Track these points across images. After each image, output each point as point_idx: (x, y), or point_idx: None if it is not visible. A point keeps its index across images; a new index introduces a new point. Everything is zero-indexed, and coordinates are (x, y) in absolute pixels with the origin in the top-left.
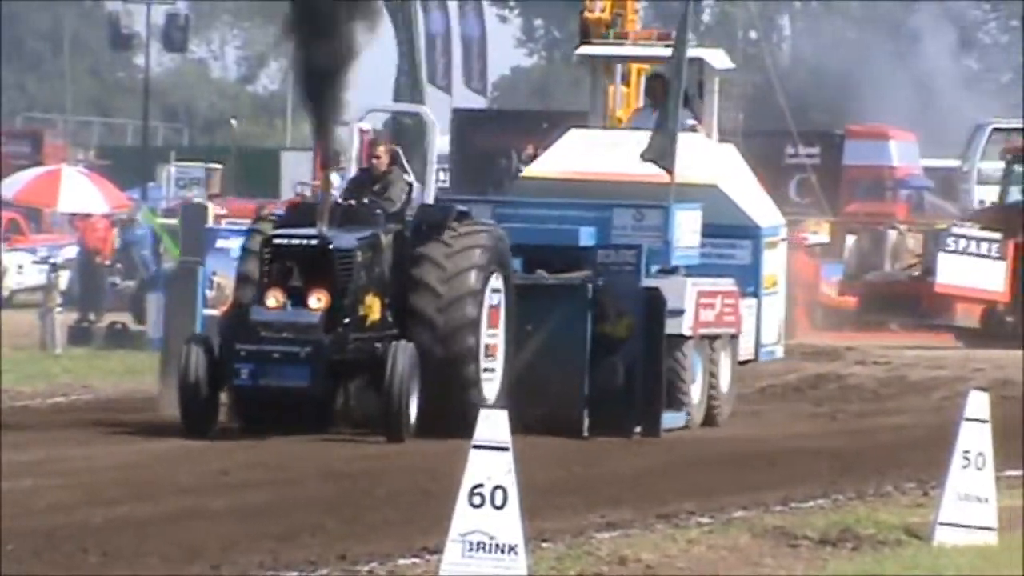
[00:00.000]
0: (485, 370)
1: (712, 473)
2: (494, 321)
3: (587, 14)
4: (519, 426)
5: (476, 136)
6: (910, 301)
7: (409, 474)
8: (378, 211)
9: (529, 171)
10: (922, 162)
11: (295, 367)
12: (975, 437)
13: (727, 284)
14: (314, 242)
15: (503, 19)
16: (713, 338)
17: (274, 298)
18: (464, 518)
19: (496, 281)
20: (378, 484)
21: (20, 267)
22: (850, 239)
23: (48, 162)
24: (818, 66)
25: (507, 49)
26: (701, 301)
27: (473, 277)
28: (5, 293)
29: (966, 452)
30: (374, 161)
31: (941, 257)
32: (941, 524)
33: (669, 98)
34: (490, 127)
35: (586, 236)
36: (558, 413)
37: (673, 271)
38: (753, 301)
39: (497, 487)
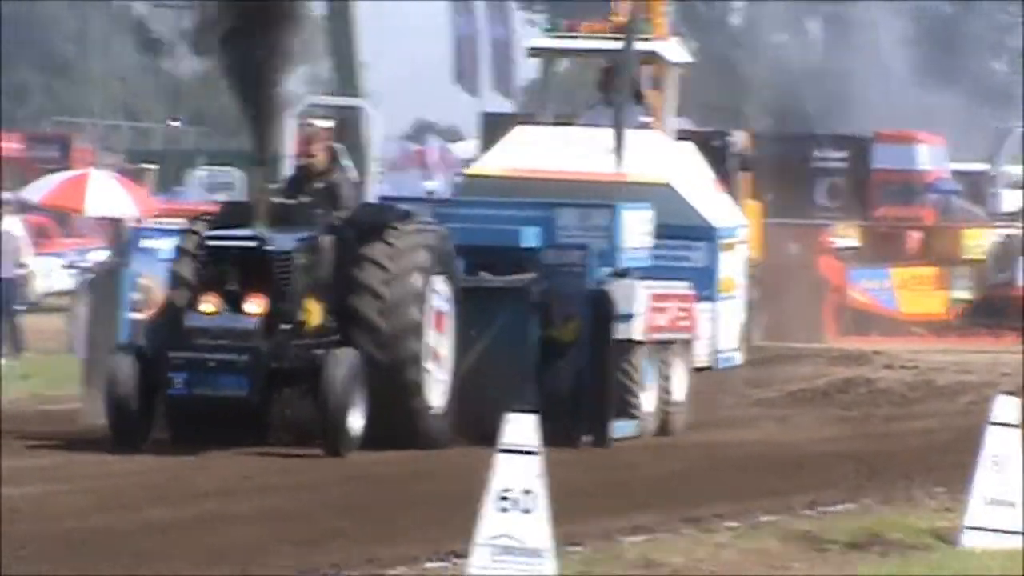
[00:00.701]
0: (430, 374)
1: (740, 477)
2: (439, 325)
3: (612, 18)
4: (468, 433)
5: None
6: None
7: (434, 479)
8: (317, 210)
9: (473, 169)
10: (950, 166)
11: (232, 375)
12: (1002, 441)
13: (682, 287)
14: (251, 243)
15: (532, 23)
16: (667, 343)
17: (210, 303)
18: (491, 522)
19: (441, 284)
20: (403, 489)
21: (49, 271)
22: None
23: (76, 166)
24: (845, 69)
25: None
26: (654, 305)
27: (418, 279)
28: (33, 297)
29: (994, 456)
30: (310, 158)
31: None
32: (968, 528)
33: (620, 92)
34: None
35: (528, 236)
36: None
37: (624, 273)
38: (709, 305)
39: (525, 491)
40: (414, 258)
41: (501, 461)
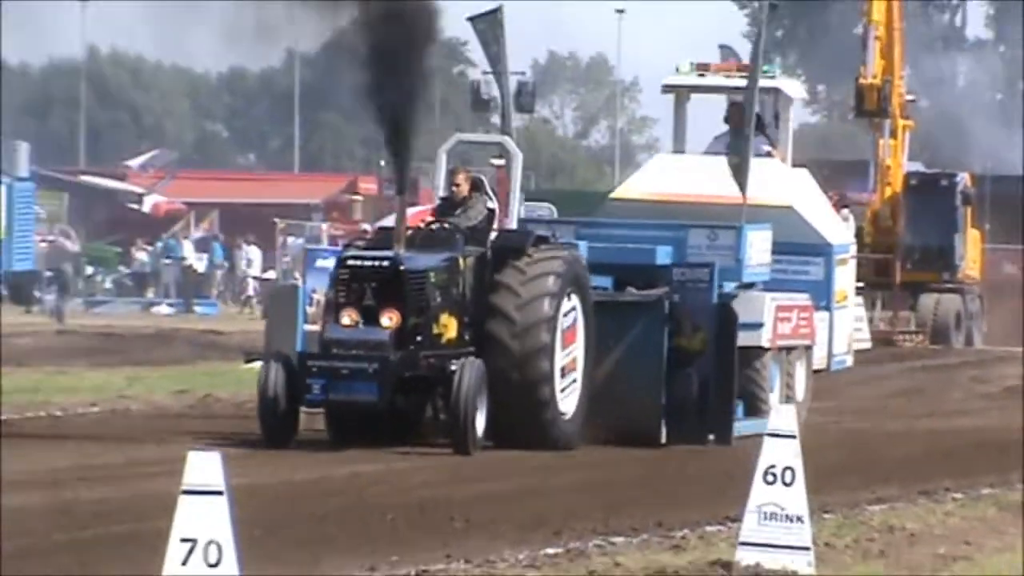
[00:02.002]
0: (564, 388)
1: (964, 456)
2: (570, 340)
3: (861, 80)
4: (599, 435)
5: None
6: None
7: (712, 458)
8: (457, 235)
9: (617, 193)
10: None
11: (363, 382)
12: None
13: (802, 299)
14: (386, 263)
15: None
16: (790, 349)
17: (348, 316)
18: (760, 493)
19: (571, 301)
20: (687, 465)
21: None
22: None
23: (422, 202)
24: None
25: (796, 108)
26: (779, 315)
27: (546, 304)
28: None
29: None
30: (454, 188)
31: None
32: None
33: (744, 124)
34: None
35: (663, 255)
36: (636, 423)
37: (751, 286)
38: (826, 314)
39: (786, 468)
40: (543, 284)
41: (767, 443)
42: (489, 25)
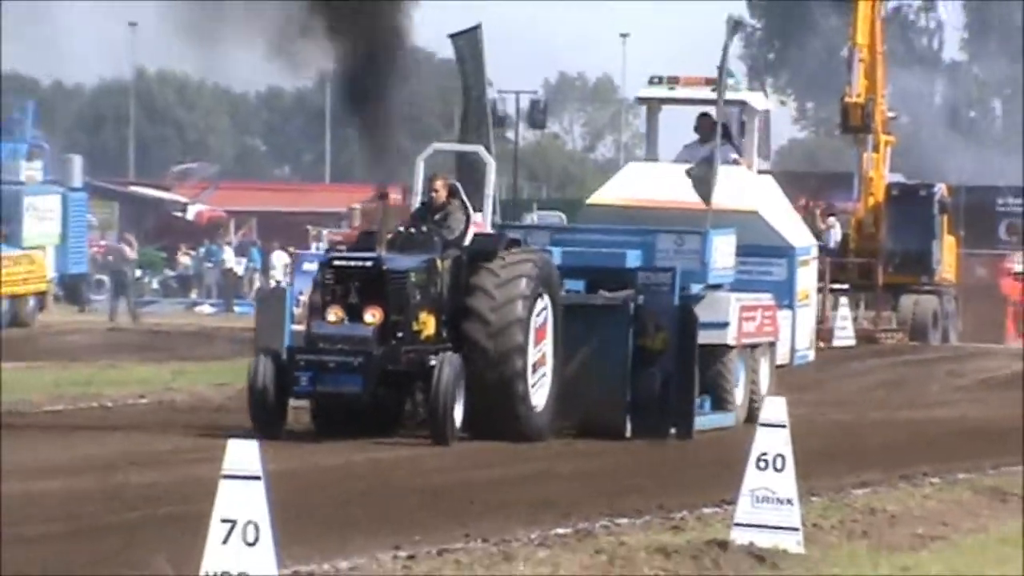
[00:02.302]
0: (534, 383)
1: (942, 444)
2: (541, 336)
3: (846, 99)
4: (572, 427)
5: None
6: None
7: (704, 447)
8: (436, 238)
9: (593, 199)
10: None
11: (349, 375)
12: None
13: (766, 298)
14: (369, 264)
15: (783, 103)
16: (754, 346)
17: (334, 314)
18: (753, 478)
19: (543, 301)
20: (684, 455)
21: None
22: None
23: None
24: None
25: (786, 124)
26: (743, 314)
27: (520, 306)
28: None
29: None
30: (433, 194)
31: None
32: None
33: (709, 133)
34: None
35: (632, 259)
36: (603, 417)
37: (719, 287)
38: (788, 312)
39: (777, 455)
40: (517, 286)
41: (760, 433)
42: (467, 42)
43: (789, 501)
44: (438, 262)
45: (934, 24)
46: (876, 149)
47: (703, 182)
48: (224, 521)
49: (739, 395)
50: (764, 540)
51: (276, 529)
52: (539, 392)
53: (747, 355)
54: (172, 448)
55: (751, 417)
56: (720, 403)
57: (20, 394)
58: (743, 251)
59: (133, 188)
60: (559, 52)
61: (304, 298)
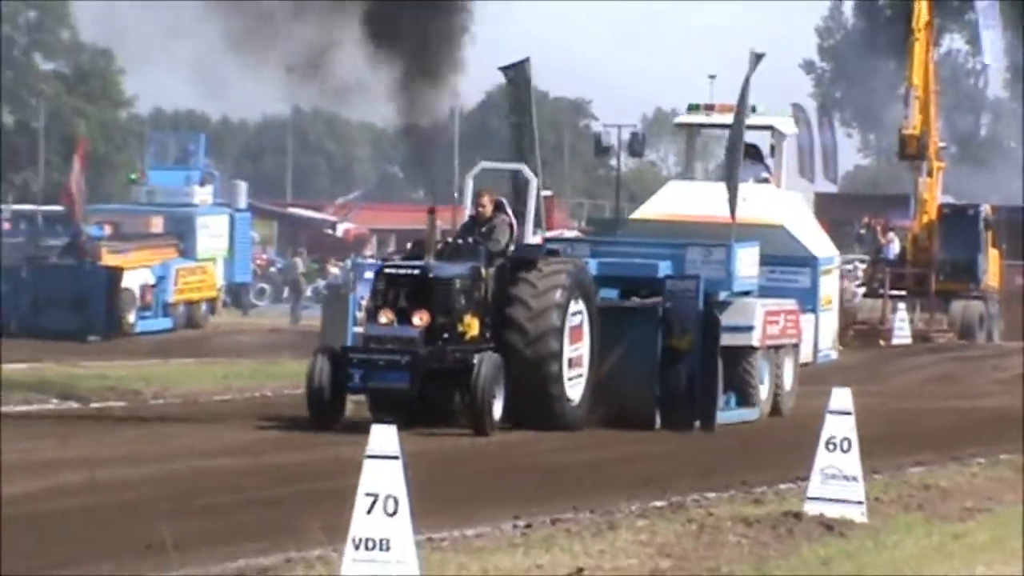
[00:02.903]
0: (572, 378)
1: (987, 430)
2: (577, 337)
3: (903, 131)
4: (607, 418)
5: (830, 210)
6: None
7: (781, 431)
8: (481, 248)
9: (635, 215)
10: None
11: (396, 372)
12: None
13: (789, 303)
14: (416, 272)
15: (849, 135)
16: (778, 348)
17: (385, 316)
18: (823, 458)
19: (578, 305)
20: (761, 438)
21: None
22: None
23: (556, 227)
24: None
25: (851, 153)
26: (768, 319)
27: (558, 294)
28: None
29: None
30: (479, 209)
31: None
32: None
33: (732, 156)
34: (839, 204)
35: (663, 269)
36: (634, 411)
37: (747, 294)
38: (812, 316)
39: (844, 438)
40: (552, 296)
41: (829, 420)
42: (517, 73)
43: (854, 478)
44: (482, 270)
45: (980, 66)
46: (930, 174)
47: (729, 200)
48: (368, 495)
49: (764, 392)
50: (833, 512)
51: (412, 502)
52: (576, 387)
53: (771, 355)
54: (319, 432)
55: (775, 411)
56: (745, 399)
57: (194, 385)
58: (771, 261)
59: (290, 209)
60: (655, 91)
61: (365, 303)
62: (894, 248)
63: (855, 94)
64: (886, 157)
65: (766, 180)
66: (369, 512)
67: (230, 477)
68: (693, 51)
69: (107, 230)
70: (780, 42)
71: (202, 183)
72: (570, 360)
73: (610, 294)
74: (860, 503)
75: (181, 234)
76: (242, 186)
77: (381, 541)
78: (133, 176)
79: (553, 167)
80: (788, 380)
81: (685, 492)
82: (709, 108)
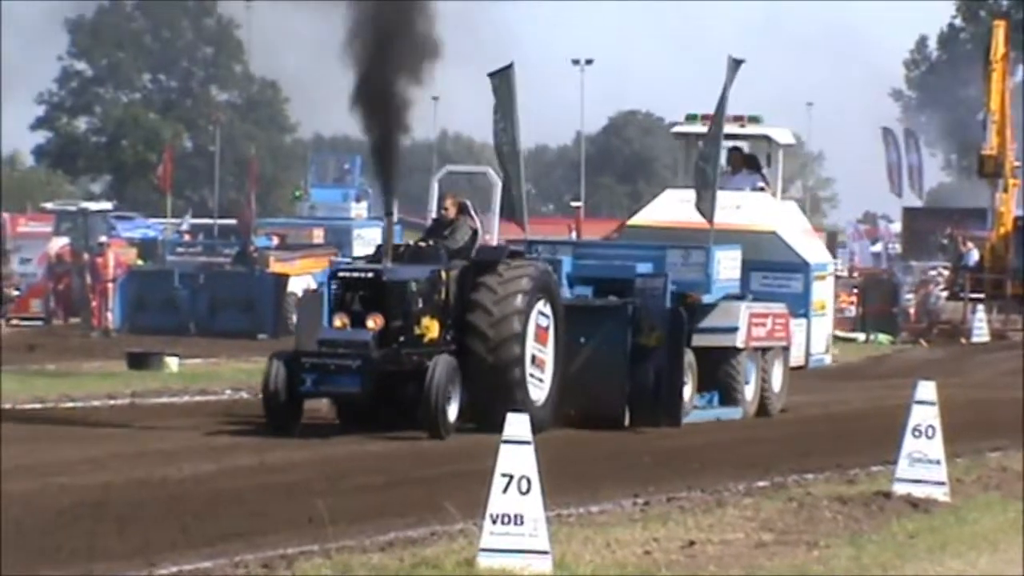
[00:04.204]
0: (534, 377)
1: None
2: (543, 338)
3: (982, 152)
4: (573, 418)
5: (916, 222)
6: None
7: (871, 419)
8: (441, 251)
9: (633, 221)
10: None
11: (348, 376)
12: None
13: (778, 307)
14: (370, 274)
15: (933, 155)
16: (765, 350)
17: (339, 320)
18: (909, 444)
19: (543, 307)
20: (852, 425)
21: None
22: None
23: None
24: None
25: (936, 171)
26: (753, 320)
27: (519, 299)
28: None
29: None
30: (443, 211)
31: None
32: None
33: (708, 164)
34: (924, 217)
35: (642, 270)
36: (603, 408)
37: (742, 298)
38: (803, 321)
39: (928, 425)
40: (518, 283)
41: (915, 409)
42: (502, 80)
43: (938, 461)
44: (443, 272)
45: None
46: (1005, 190)
47: (704, 205)
48: (503, 475)
49: (749, 392)
50: (919, 491)
51: (543, 482)
52: (540, 388)
53: (757, 357)
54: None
55: (762, 411)
56: (729, 398)
57: None
58: (764, 266)
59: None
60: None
61: None
62: (973, 256)
63: (939, 119)
64: (967, 175)
65: (762, 189)
66: (505, 491)
67: (379, 460)
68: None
69: (274, 241)
70: (870, 71)
71: (358, 199)
72: (535, 359)
73: (583, 292)
74: (943, 484)
75: (339, 244)
76: (394, 202)
77: (515, 516)
78: (297, 193)
79: (670, 186)
80: (776, 382)
81: (786, 473)
82: (706, 118)
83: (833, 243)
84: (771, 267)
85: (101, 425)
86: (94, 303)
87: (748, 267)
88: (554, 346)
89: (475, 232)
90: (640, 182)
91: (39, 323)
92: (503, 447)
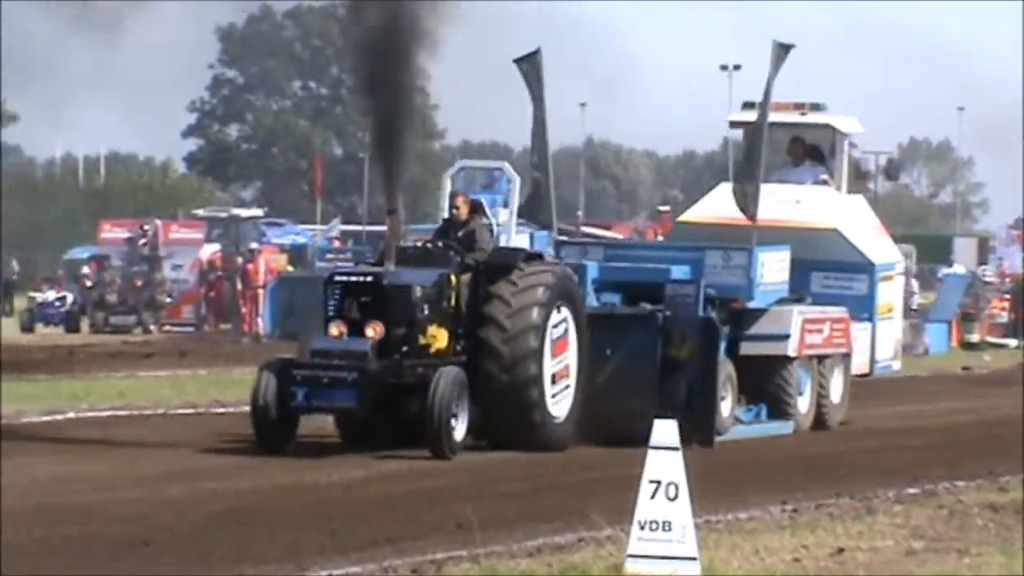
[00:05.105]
0: (556, 393)
1: None
2: (561, 349)
3: None
4: (599, 437)
5: None
6: None
7: (1015, 425)
8: (452, 253)
9: (683, 217)
10: None
11: (342, 390)
12: None
13: (837, 311)
14: (369, 279)
15: None
16: (822, 357)
17: (335, 328)
18: None
19: (561, 313)
20: (988, 434)
21: None
22: None
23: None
24: None
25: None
26: (807, 327)
27: (535, 313)
28: None
29: None
30: (454, 211)
31: None
32: None
33: (753, 155)
34: None
35: (678, 274)
36: (631, 425)
37: (799, 300)
38: (867, 325)
39: None
40: (533, 295)
41: None
42: (530, 65)
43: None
44: (452, 277)
45: None
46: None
47: (745, 200)
48: (651, 482)
49: (803, 404)
50: None
51: (691, 488)
52: (561, 403)
53: (813, 366)
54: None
55: (820, 424)
56: (779, 412)
57: None
58: (824, 266)
59: (584, 228)
60: (909, 121)
61: None
62: None
63: None
64: None
65: (825, 182)
66: (652, 497)
67: (524, 466)
68: (944, 84)
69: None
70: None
71: (505, 205)
72: (554, 375)
73: (611, 299)
74: None
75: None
76: None
77: (663, 523)
78: None
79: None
80: (835, 392)
81: (936, 480)
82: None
83: (984, 248)
84: (833, 267)
85: (251, 430)
86: (244, 309)
87: (808, 267)
88: (577, 358)
89: (493, 234)
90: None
91: (190, 329)
92: (651, 453)
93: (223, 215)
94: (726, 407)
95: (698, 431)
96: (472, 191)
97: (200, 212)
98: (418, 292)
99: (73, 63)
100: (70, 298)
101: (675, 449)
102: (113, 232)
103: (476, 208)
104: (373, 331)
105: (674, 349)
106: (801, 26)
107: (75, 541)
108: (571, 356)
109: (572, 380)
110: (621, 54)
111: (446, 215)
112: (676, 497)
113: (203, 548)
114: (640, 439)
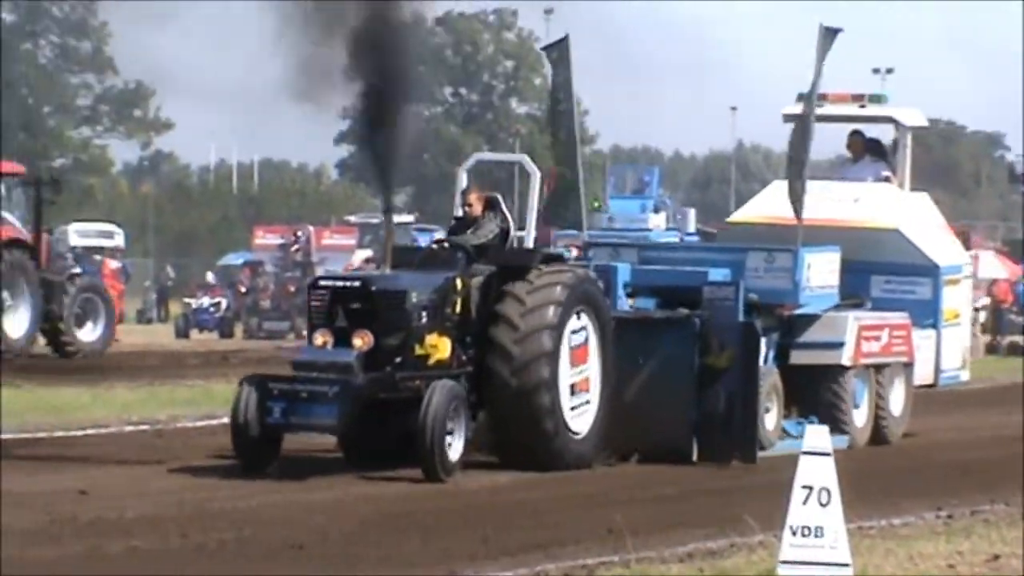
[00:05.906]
0: (575, 407)
1: None
2: (581, 358)
3: None
4: (632, 452)
5: None
6: None
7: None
8: (459, 255)
9: (733, 216)
10: None
11: (322, 405)
12: None
13: (898, 317)
14: (356, 284)
15: None
16: (880, 367)
17: (320, 338)
18: None
19: (581, 320)
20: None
21: None
22: None
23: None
24: None
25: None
26: (863, 334)
27: (551, 312)
28: None
29: None
30: (466, 208)
31: None
32: None
33: (798, 151)
34: None
35: (717, 276)
36: (666, 441)
37: (860, 305)
38: (932, 332)
39: None
40: (550, 293)
41: None
42: (559, 53)
43: None
44: (458, 280)
45: None
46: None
47: (793, 199)
48: (804, 487)
49: (859, 417)
50: None
51: (843, 494)
52: (581, 418)
53: (870, 376)
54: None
55: (878, 438)
56: (832, 425)
57: None
58: (885, 269)
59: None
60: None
61: None
62: None
63: None
64: None
65: (887, 179)
66: (804, 503)
67: (673, 472)
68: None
69: (573, 252)
70: None
71: (656, 210)
72: (572, 386)
73: (645, 304)
74: None
75: None
76: (691, 213)
77: (816, 528)
78: (596, 204)
79: (971, 193)
80: (896, 404)
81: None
82: (822, 98)
83: None
84: (894, 270)
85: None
86: None
87: (867, 270)
88: (600, 370)
89: (505, 232)
90: (938, 190)
91: None
92: (803, 458)
93: (375, 221)
94: (771, 419)
95: (739, 445)
96: (621, 195)
97: (352, 218)
98: (414, 298)
99: (226, 70)
100: (224, 304)
101: (827, 455)
102: (266, 238)
103: (491, 204)
104: (360, 341)
105: (712, 357)
106: (951, 29)
107: (230, 545)
108: (593, 368)
109: (595, 395)
110: (770, 57)
111: (458, 213)
112: (828, 503)
113: (355, 552)
114: (681, 454)
